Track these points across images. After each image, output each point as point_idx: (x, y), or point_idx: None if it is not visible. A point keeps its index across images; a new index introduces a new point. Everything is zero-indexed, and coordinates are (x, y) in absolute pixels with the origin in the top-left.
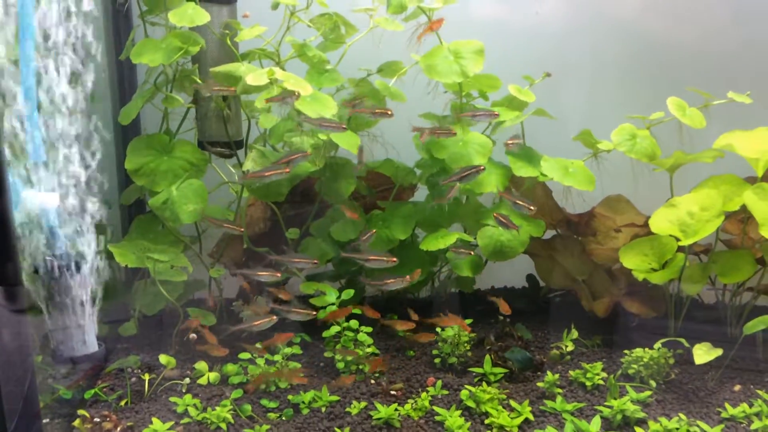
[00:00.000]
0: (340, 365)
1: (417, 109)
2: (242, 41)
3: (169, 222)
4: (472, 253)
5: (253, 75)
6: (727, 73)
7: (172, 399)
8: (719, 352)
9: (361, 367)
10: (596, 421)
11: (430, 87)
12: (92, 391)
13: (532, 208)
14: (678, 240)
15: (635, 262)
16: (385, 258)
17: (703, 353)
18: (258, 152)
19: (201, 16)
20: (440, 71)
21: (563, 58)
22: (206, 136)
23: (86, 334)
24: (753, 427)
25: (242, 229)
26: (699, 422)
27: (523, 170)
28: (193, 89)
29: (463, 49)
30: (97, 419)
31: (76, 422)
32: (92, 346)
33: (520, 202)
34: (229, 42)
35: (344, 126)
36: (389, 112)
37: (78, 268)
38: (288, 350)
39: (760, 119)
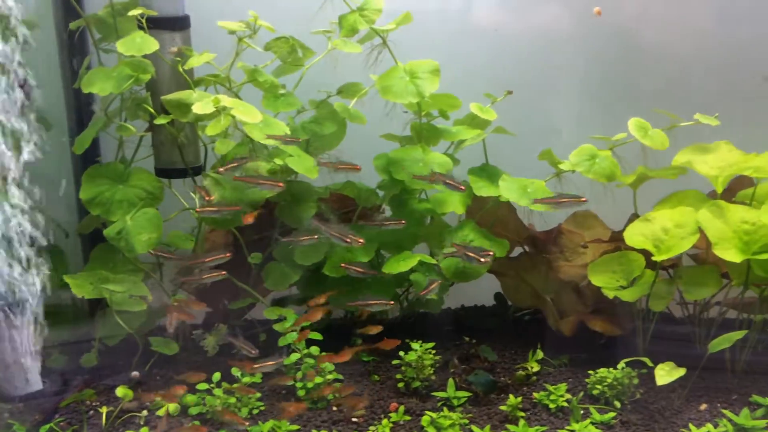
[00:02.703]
0: (301, 393)
1: (377, 130)
2: (199, 68)
3: (125, 252)
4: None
5: (199, 103)
6: (697, 90)
7: None
8: (682, 372)
9: (323, 394)
10: None
11: (388, 108)
12: (47, 426)
13: (482, 261)
14: (651, 255)
15: (604, 279)
16: (384, 301)
17: (665, 374)
18: (212, 180)
19: (149, 44)
20: (396, 92)
21: (526, 76)
22: (163, 162)
23: (28, 372)
24: None
25: (224, 273)
26: None
27: (484, 190)
28: (148, 116)
29: (418, 69)
30: None
31: None
32: (36, 384)
33: (471, 254)
34: (181, 69)
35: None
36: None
37: (17, 307)
38: (248, 379)
39: (724, 134)
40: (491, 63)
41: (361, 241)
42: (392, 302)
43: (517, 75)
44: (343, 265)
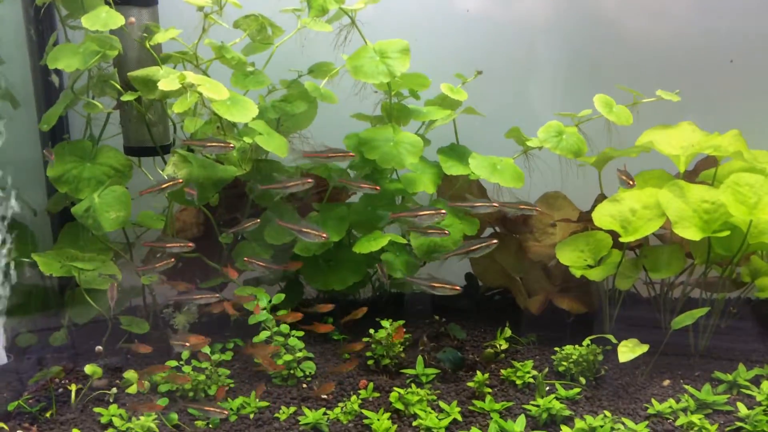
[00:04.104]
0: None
1: (348, 109)
2: (168, 45)
3: (93, 230)
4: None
5: (164, 80)
6: (663, 69)
7: (97, 409)
8: (644, 348)
9: (292, 371)
10: (521, 421)
11: (358, 87)
12: (15, 403)
13: (439, 215)
14: (619, 236)
15: (571, 258)
16: (449, 286)
17: (628, 350)
18: (180, 156)
19: (115, 19)
20: (366, 72)
21: (497, 55)
22: (132, 141)
23: None
24: (678, 422)
25: (191, 244)
26: (624, 419)
27: (453, 169)
28: (116, 94)
29: (389, 49)
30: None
31: None
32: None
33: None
34: (148, 45)
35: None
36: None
37: None
38: (217, 357)
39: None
40: (462, 43)
41: (324, 235)
42: (458, 287)
43: (488, 55)
44: (246, 259)
